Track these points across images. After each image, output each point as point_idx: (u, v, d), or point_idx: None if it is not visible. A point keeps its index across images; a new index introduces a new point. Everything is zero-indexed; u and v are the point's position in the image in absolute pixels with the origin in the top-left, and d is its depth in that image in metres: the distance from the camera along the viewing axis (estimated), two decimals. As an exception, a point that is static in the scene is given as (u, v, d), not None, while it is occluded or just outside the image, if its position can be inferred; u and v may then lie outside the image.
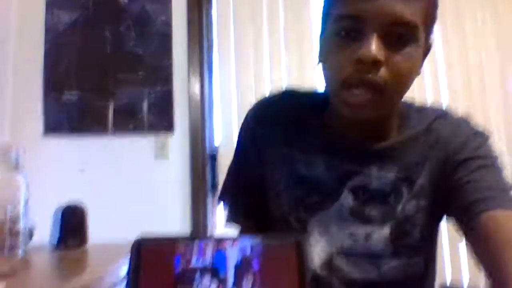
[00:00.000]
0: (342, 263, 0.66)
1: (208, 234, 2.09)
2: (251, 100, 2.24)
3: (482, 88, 2.12)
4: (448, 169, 0.65)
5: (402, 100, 0.67)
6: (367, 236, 0.65)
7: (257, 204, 0.73)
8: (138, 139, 2.02)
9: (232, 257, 0.39)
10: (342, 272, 0.66)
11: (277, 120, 0.72)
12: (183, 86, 2.07)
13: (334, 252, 0.66)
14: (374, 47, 0.56)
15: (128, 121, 2.03)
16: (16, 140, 1.94)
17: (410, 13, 0.57)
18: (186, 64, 2.09)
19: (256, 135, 0.73)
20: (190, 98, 2.07)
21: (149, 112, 2.04)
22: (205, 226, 2.01)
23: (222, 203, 0.79)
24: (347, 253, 0.66)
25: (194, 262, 0.39)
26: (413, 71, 0.60)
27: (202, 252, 0.39)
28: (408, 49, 0.58)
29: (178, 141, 2.02)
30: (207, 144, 2.07)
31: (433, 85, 2.10)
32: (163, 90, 2.06)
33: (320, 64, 0.66)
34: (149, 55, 2.08)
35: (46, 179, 1.91)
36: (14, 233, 0.64)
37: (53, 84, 2.05)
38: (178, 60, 2.09)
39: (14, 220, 0.64)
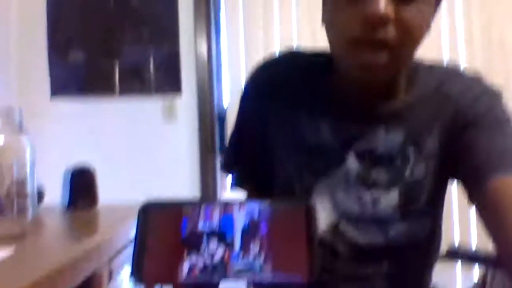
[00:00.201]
0: (348, 229, 0.65)
1: (217, 196, 2.12)
2: (260, 59, 2.19)
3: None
4: (457, 130, 0.62)
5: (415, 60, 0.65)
6: (375, 201, 0.64)
7: (261, 170, 0.72)
8: (146, 100, 2.01)
9: (239, 221, 0.38)
10: (348, 237, 0.65)
11: (281, 82, 0.69)
12: (189, 45, 2.03)
13: (340, 218, 0.65)
14: (381, 3, 0.53)
15: (135, 82, 2.02)
16: (23, 103, 1.94)
17: None
18: (193, 23, 2.03)
19: (259, 98, 0.71)
20: (197, 58, 2.03)
21: (155, 73, 2.02)
22: (214, 188, 2.03)
23: (225, 170, 0.78)
24: (354, 219, 0.65)
25: (201, 226, 0.39)
26: (424, 27, 0.58)
27: (209, 216, 0.39)
28: (419, 4, 0.55)
29: (186, 103, 2.01)
30: (215, 105, 2.05)
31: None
32: (169, 50, 2.02)
33: (325, 25, 0.62)
34: (154, 14, 2.03)
35: (55, 141, 1.93)
36: (22, 196, 0.64)
37: (57, 45, 2.03)
38: (184, 19, 2.03)
39: (21, 183, 0.64)
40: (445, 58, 2.02)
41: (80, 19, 2.03)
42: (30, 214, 0.65)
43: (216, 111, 2.06)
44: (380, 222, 0.65)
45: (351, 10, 0.55)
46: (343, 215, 0.65)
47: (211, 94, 2.05)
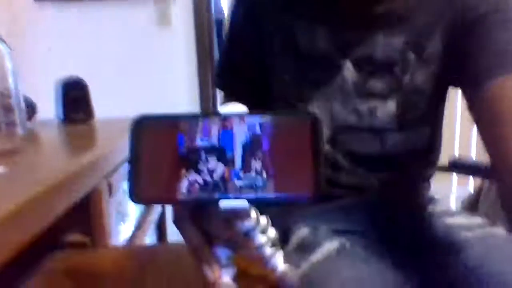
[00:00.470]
0: (346, 139, 0.64)
1: (217, 107, 2.10)
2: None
3: None
4: (462, 29, 0.58)
5: None
6: (371, 112, 0.63)
7: (255, 83, 0.70)
8: (138, 4, 1.88)
9: (240, 135, 0.36)
10: (346, 147, 0.65)
11: None
12: None
13: (338, 129, 0.64)
14: None
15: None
16: (5, 9, 1.81)
17: None
18: None
19: (252, 3, 0.67)
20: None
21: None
22: (214, 97, 1.99)
23: (218, 85, 0.76)
24: (351, 129, 0.64)
25: (199, 141, 0.36)
26: None
27: (207, 131, 0.37)
28: None
29: (181, 6, 1.88)
30: (212, 8, 1.93)
31: None
32: None
33: None
34: None
35: (41, 50, 1.85)
36: (7, 108, 0.60)
37: None
38: None
39: (5, 93, 0.59)
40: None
41: None
42: (21, 128, 0.62)
43: (213, 14, 1.93)
44: (377, 132, 0.63)
45: None
46: (340, 126, 0.64)
47: (208, -5, 1.91)
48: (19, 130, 0.62)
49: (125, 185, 0.81)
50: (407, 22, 0.60)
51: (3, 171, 0.49)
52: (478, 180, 1.34)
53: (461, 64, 0.58)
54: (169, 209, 1.21)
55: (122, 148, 0.73)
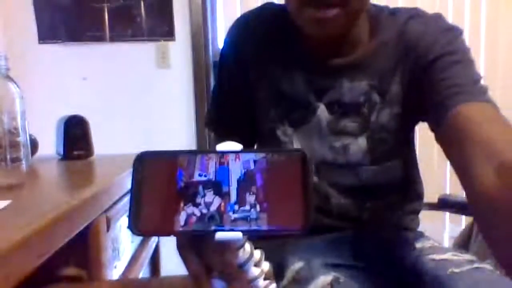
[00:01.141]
0: (326, 173, 0.69)
1: (212, 144, 2.13)
2: (255, 1, 2.10)
3: None
4: (419, 72, 0.64)
5: (374, 4, 0.68)
6: (345, 148, 0.68)
7: (244, 123, 0.75)
8: (138, 45, 1.95)
9: (235, 171, 0.38)
10: (328, 179, 0.69)
11: (258, 37, 0.72)
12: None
13: (318, 163, 0.69)
14: None
15: (126, 26, 1.94)
16: (10, 49, 1.87)
17: None
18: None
19: (238, 55, 0.73)
20: (190, 0, 1.95)
21: (147, 16, 1.93)
22: (209, 136, 2.02)
23: (209, 127, 0.82)
24: (329, 164, 0.69)
25: (197, 176, 0.39)
26: None
27: (204, 166, 0.39)
28: None
29: (179, 48, 1.95)
30: (210, 50, 1.99)
31: None
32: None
33: None
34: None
35: (44, 89, 1.89)
36: (14, 145, 0.63)
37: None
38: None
39: (13, 132, 0.62)
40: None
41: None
42: (25, 164, 0.65)
43: (211, 56, 2.00)
44: (352, 166, 0.68)
45: None
46: (320, 161, 0.69)
47: (206, 38, 1.98)
48: (24, 166, 0.65)
49: (122, 221, 0.82)
50: (369, 68, 0.67)
51: (9, 204, 0.51)
52: (470, 218, 1.35)
53: (423, 101, 0.62)
54: (163, 244, 1.22)
55: (120, 184, 0.75)
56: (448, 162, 0.56)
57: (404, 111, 0.67)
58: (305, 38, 0.68)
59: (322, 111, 0.68)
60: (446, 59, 0.61)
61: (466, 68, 0.61)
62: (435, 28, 0.65)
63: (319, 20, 0.59)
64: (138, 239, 0.97)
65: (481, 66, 2.07)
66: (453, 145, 0.55)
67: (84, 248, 0.63)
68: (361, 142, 0.68)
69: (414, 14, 0.68)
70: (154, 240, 1.07)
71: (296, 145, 0.69)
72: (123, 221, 0.84)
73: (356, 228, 0.71)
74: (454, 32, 0.64)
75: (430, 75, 0.62)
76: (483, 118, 0.53)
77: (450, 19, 1.99)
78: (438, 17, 0.67)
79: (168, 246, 1.12)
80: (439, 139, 0.59)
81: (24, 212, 0.47)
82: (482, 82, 0.60)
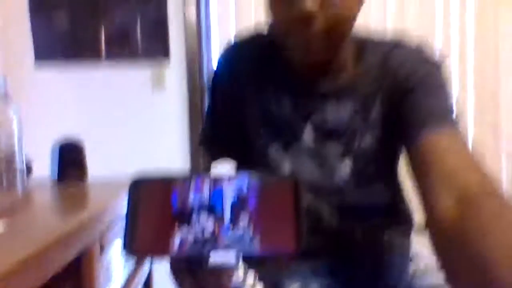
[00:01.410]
0: (316, 193, 0.70)
1: (205, 166, 2.13)
2: (251, 24, 2.14)
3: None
4: (397, 98, 0.66)
5: (361, 32, 0.71)
6: (331, 170, 0.70)
7: (237, 142, 0.77)
8: (134, 68, 1.97)
9: (229, 194, 0.39)
10: (319, 199, 0.71)
11: (247, 62, 0.74)
12: (178, 9, 1.98)
13: (308, 184, 0.70)
14: (307, 1, 0.57)
15: (122, 48, 1.96)
16: (6, 71, 1.89)
17: None
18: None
19: (229, 79, 0.76)
20: (185, 23, 1.98)
21: (143, 39, 1.96)
22: (204, 154, 2.03)
23: (203, 147, 0.83)
24: (318, 185, 0.70)
25: (191, 200, 0.39)
26: (353, 9, 0.62)
27: (199, 190, 0.40)
28: None
29: (174, 70, 1.97)
30: (204, 74, 2.02)
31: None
32: (157, 14, 1.96)
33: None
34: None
35: (40, 110, 1.90)
36: (11, 170, 0.63)
37: (40, 7, 1.95)
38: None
39: (10, 156, 0.63)
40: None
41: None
42: (20, 189, 0.65)
43: (205, 79, 2.03)
44: (338, 189, 0.70)
45: (283, 7, 0.60)
46: (309, 182, 0.70)
47: (200, 61, 2.01)
48: (19, 190, 0.65)
49: (115, 246, 0.82)
50: (353, 93, 0.69)
51: (5, 228, 0.52)
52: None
53: (400, 128, 0.64)
54: (157, 270, 1.20)
55: (114, 209, 0.75)
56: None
57: (385, 136, 0.69)
58: (292, 63, 0.70)
59: (308, 134, 0.70)
60: (423, 87, 0.63)
61: (440, 99, 0.63)
62: (416, 59, 0.67)
63: (304, 47, 0.61)
64: (131, 264, 0.96)
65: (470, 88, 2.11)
66: (418, 172, 0.57)
67: (78, 273, 0.62)
68: (345, 165, 0.69)
69: (398, 44, 0.70)
70: (147, 265, 1.06)
71: (287, 164, 0.71)
72: (117, 246, 0.84)
73: (349, 249, 0.72)
74: (434, 65, 0.67)
75: (405, 103, 0.64)
76: (448, 149, 0.55)
77: (438, 38, 2.06)
78: (421, 48, 0.70)
79: (161, 271, 1.11)
80: (408, 164, 0.61)
81: (20, 237, 0.47)
82: (454, 114, 0.62)
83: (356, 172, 0.69)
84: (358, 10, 0.63)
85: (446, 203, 0.47)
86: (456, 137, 0.57)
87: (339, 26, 0.60)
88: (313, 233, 0.70)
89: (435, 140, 0.56)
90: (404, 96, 0.65)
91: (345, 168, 0.70)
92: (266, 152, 0.72)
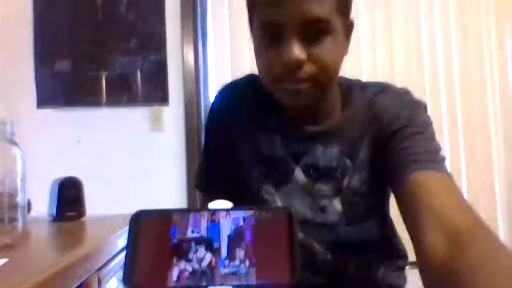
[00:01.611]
0: (308, 230, 0.72)
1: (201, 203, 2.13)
2: (246, 68, 2.22)
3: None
4: (383, 141, 0.68)
5: (347, 78, 0.76)
6: (322, 209, 0.72)
7: (230, 183, 0.80)
8: (133, 111, 2.02)
9: (226, 228, 0.41)
10: (311, 236, 0.73)
11: (241, 103, 0.78)
12: (177, 55, 2.05)
13: (301, 222, 0.72)
14: (295, 49, 0.60)
15: (122, 93, 2.02)
16: (10, 112, 1.93)
17: (322, 10, 0.61)
18: (180, 32, 2.06)
19: (223, 119, 0.79)
20: (184, 67, 2.05)
21: (142, 83, 2.03)
22: (199, 196, 2.04)
23: (198, 189, 0.86)
24: (309, 222, 0.72)
25: (190, 233, 0.40)
26: (337, 57, 0.66)
27: (197, 223, 0.41)
28: (327, 41, 0.62)
29: (173, 112, 2.03)
30: (202, 115, 2.07)
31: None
32: (157, 59, 2.04)
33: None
34: (141, 22, 2.04)
35: (41, 151, 1.92)
36: (13, 206, 0.65)
37: (44, 54, 2.02)
38: (171, 27, 2.06)
39: (13, 193, 0.65)
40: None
41: (68, 28, 2.04)
42: (21, 224, 0.66)
43: (203, 120, 2.07)
44: (330, 226, 0.72)
45: (272, 54, 0.64)
46: (301, 220, 0.72)
47: (198, 103, 2.07)
48: (20, 226, 0.66)
49: (112, 282, 0.82)
50: (340, 136, 0.72)
51: (7, 262, 0.53)
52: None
53: (386, 169, 0.67)
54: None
55: (111, 245, 0.76)
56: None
57: (373, 177, 0.71)
58: (282, 107, 0.73)
59: (298, 174, 0.73)
60: (407, 130, 0.66)
61: (425, 139, 0.65)
62: (400, 102, 0.70)
63: (293, 92, 0.65)
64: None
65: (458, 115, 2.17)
66: (407, 211, 0.58)
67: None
68: (336, 204, 0.72)
69: (382, 88, 0.74)
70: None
71: (279, 203, 0.73)
72: (113, 282, 0.83)
73: (343, 284, 0.73)
74: (418, 106, 0.70)
75: (391, 144, 0.66)
76: (436, 187, 0.56)
77: (426, 69, 2.14)
78: (404, 92, 0.73)
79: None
80: (397, 204, 0.63)
81: (21, 270, 0.49)
82: (440, 153, 0.64)
83: (347, 211, 0.71)
84: (342, 59, 0.67)
85: (435, 241, 0.47)
86: (442, 176, 0.58)
87: (324, 72, 0.64)
88: (307, 269, 0.71)
89: (422, 180, 0.57)
90: (389, 138, 0.67)
91: (335, 207, 0.72)
92: (258, 191, 0.75)
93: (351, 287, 0.73)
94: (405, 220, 0.58)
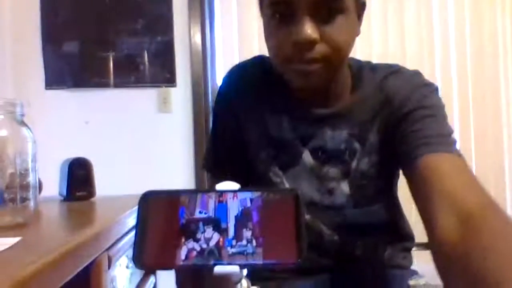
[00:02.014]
0: (315, 212, 0.73)
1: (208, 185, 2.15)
2: (254, 48, 2.20)
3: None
4: (394, 123, 0.68)
5: (357, 60, 0.75)
6: (330, 191, 0.72)
7: (238, 165, 0.80)
8: (141, 92, 2.02)
9: (233, 208, 0.41)
10: (318, 218, 0.73)
11: (249, 85, 0.77)
12: (184, 36, 2.04)
13: (308, 204, 0.73)
14: (307, 28, 0.59)
15: (130, 74, 2.02)
16: (18, 94, 1.94)
17: None
18: (187, 13, 2.04)
19: (231, 101, 0.79)
20: (191, 48, 2.04)
21: (150, 64, 2.02)
22: (207, 177, 2.05)
23: (207, 170, 0.86)
24: (317, 205, 0.73)
25: (198, 214, 0.41)
26: (349, 37, 0.65)
27: (205, 204, 0.42)
28: (339, 20, 0.61)
29: (180, 93, 2.03)
30: (209, 96, 2.07)
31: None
32: (164, 40, 2.03)
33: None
34: (148, 3, 2.02)
35: (49, 133, 1.94)
36: (24, 186, 0.66)
37: (51, 36, 2.02)
38: (178, 8, 2.04)
39: (24, 174, 0.66)
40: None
41: (75, 10, 2.03)
42: (33, 204, 0.68)
43: (210, 102, 2.07)
44: (337, 208, 0.72)
45: (283, 34, 0.62)
46: (308, 202, 0.73)
47: (206, 84, 2.06)
48: (32, 206, 0.68)
49: (121, 260, 0.83)
50: (349, 118, 0.71)
51: (20, 240, 0.54)
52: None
53: (397, 151, 0.66)
54: (161, 282, 1.21)
55: (120, 224, 0.78)
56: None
57: (382, 160, 0.71)
58: (291, 88, 0.73)
59: (307, 156, 0.72)
60: (419, 112, 0.65)
61: (436, 121, 0.64)
62: (411, 84, 0.69)
63: (303, 73, 0.64)
64: (136, 280, 0.97)
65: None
66: (419, 194, 0.58)
67: (86, 286, 0.64)
68: (344, 186, 0.72)
69: (393, 70, 0.73)
70: (151, 281, 1.07)
71: (287, 186, 0.73)
72: (123, 260, 0.85)
73: (351, 265, 0.73)
74: (429, 88, 0.69)
75: (402, 127, 0.66)
76: (448, 169, 0.55)
77: (438, 59, 2.11)
78: (415, 74, 0.72)
79: (166, 287, 1.11)
80: (409, 186, 0.62)
81: (35, 248, 0.50)
82: (452, 136, 0.64)
83: (355, 193, 0.72)
84: (353, 40, 0.66)
85: (447, 224, 0.47)
86: (454, 158, 0.58)
87: (336, 53, 0.62)
88: (314, 250, 0.72)
89: (434, 162, 0.57)
90: (401, 120, 0.66)
91: (343, 189, 0.72)
92: (266, 174, 0.75)
93: (358, 268, 0.74)
94: (417, 202, 0.58)
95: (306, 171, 0.73)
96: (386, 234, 0.77)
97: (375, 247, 0.76)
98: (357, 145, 0.71)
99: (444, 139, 0.61)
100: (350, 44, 0.65)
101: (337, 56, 0.63)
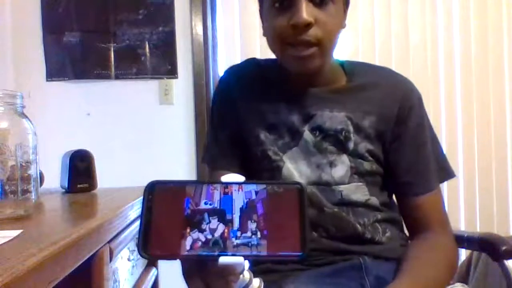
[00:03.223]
0: (312, 193, 0.76)
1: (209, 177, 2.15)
2: (256, 40, 2.19)
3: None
4: (392, 120, 0.78)
5: (349, 59, 0.85)
6: (331, 163, 0.77)
7: (236, 158, 0.84)
8: (142, 83, 2.01)
9: (238, 200, 0.41)
10: (314, 200, 0.76)
11: (246, 81, 0.85)
12: (185, 27, 2.03)
13: (305, 183, 0.76)
14: (304, 12, 0.68)
15: (131, 65, 2.01)
16: (19, 86, 1.94)
17: None
18: (188, 3, 2.03)
19: (230, 96, 0.84)
20: (193, 39, 2.03)
21: (151, 55, 2.01)
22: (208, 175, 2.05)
23: (207, 164, 0.90)
24: (314, 183, 0.76)
25: (203, 205, 0.41)
26: (338, 25, 0.74)
27: (210, 196, 0.42)
28: (330, 7, 0.71)
29: (182, 85, 2.02)
30: (211, 88, 2.07)
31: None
32: (165, 31, 2.02)
33: (265, 36, 0.78)
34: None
35: (50, 124, 1.94)
36: (25, 178, 0.66)
37: (52, 27, 2.01)
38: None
39: (25, 166, 0.66)
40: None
41: (75, 0, 2.01)
42: (34, 196, 0.67)
43: (212, 93, 2.07)
44: (334, 184, 0.76)
45: (282, 19, 0.71)
46: (306, 181, 0.76)
47: (207, 76, 2.05)
48: (33, 198, 0.67)
49: (123, 253, 0.83)
50: (346, 102, 0.79)
51: (21, 233, 0.54)
52: (469, 250, 1.36)
53: (389, 160, 0.80)
54: (163, 276, 1.21)
55: (122, 217, 0.77)
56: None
57: (377, 150, 0.79)
58: (286, 77, 0.80)
59: (307, 134, 0.78)
60: (412, 121, 0.78)
61: (432, 147, 0.80)
62: (408, 81, 0.82)
63: (300, 58, 0.71)
64: (138, 272, 0.97)
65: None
66: (409, 219, 0.81)
67: (87, 278, 0.64)
68: (345, 158, 0.77)
69: (388, 69, 0.84)
70: (153, 273, 1.07)
71: (286, 164, 0.78)
72: (125, 252, 0.85)
73: (357, 248, 0.75)
74: (420, 97, 0.81)
75: (403, 146, 0.79)
76: (430, 211, 0.78)
77: (441, 50, 2.10)
78: (405, 78, 0.83)
79: (167, 279, 1.12)
80: (403, 214, 0.82)
81: (36, 241, 0.49)
82: (444, 157, 0.81)
83: (353, 167, 0.77)
84: (340, 29, 0.74)
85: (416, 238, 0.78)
86: (436, 197, 0.78)
87: (327, 36, 0.71)
88: (316, 230, 0.72)
89: (426, 206, 0.77)
90: (396, 123, 0.78)
91: (344, 160, 0.77)
92: (266, 152, 0.79)
93: (363, 256, 0.76)
94: (405, 219, 0.82)
95: (306, 148, 0.77)
96: (384, 211, 0.80)
97: (374, 226, 0.78)
98: (351, 127, 0.77)
99: (427, 175, 0.79)
100: (338, 31, 0.74)
101: (328, 39, 0.71)
